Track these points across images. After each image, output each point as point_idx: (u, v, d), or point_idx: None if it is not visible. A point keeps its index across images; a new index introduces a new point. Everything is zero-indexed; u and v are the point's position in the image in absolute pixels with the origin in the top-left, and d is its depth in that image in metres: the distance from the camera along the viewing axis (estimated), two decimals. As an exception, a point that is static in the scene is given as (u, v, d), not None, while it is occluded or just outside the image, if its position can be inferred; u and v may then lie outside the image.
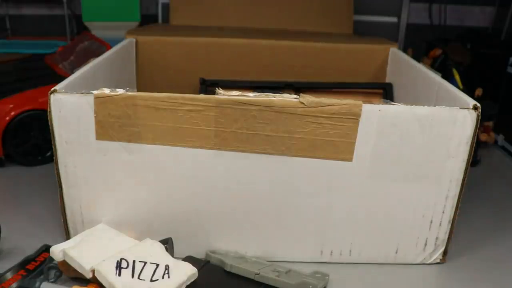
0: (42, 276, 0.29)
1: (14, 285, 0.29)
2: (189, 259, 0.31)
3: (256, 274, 0.30)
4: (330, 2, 0.72)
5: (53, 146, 0.31)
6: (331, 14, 0.72)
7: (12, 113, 0.45)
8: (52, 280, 0.29)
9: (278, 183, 0.31)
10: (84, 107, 0.29)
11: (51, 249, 0.29)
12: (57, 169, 0.31)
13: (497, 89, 0.60)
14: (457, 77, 0.57)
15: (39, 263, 0.31)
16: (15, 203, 0.41)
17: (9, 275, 0.29)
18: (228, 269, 0.31)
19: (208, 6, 0.71)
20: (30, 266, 0.31)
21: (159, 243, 0.30)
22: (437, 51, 0.61)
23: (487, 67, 0.62)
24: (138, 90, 0.29)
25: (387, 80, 0.55)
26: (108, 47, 0.55)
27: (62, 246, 0.29)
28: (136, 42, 0.54)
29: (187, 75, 0.55)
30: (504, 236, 0.39)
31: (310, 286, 0.29)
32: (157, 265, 0.28)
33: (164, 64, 0.55)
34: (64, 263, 0.29)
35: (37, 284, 0.28)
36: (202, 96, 0.29)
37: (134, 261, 0.28)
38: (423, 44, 0.70)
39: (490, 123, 0.57)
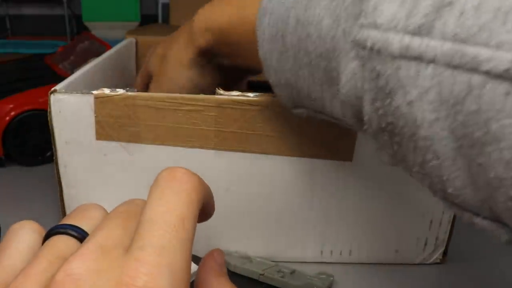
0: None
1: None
2: (192, 257, 0.31)
3: (260, 274, 0.30)
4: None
5: (53, 146, 0.31)
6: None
7: (12, 113, 0.45)
8: None
9: (278, 183, 0.31)
10: (84, 107, 0.29)
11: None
12: (57, 169, 0.31)
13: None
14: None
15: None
16: (15, 203, 0.41)
17: None
18: (232, 269, 0.31)
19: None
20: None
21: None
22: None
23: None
24: (138, 90, 0.29)
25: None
26: (108, 47, 0.55)
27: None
28: (136, 42, 0.54)
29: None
30: (504, 236, 0.39)
31: (315, 287, 0.29)
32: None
33: (164, 64, 0.56)
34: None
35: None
36: (202, 96, 0.29)
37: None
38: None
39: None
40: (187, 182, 0.16)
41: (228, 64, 0.31)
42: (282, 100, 0.25)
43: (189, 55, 0.32)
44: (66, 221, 0.17)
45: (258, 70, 0.26)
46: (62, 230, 0.16)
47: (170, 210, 0.15)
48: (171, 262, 0.13)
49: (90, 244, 0.14)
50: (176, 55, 0.32)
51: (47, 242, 0.16)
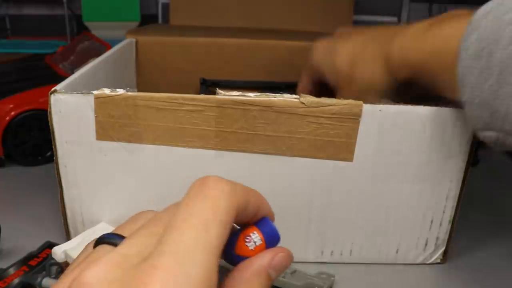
0: (44, 272, 0.29)
1: (16, 280, 0.29)
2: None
3: None
4: (330, 2, 0.72)
5: (53, 147, 0.31)
6: (331, 13, 0.72)
7: (12, 113, 0.45)
8: (54, 276, 0.29)
9: (278, 183, 0.31)
10: (84, 107, 0.29)
11: (52, 250, 0.29)
12: (57, 170, 0.31)
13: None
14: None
15: (41, 259, 0.31)
16: (15, 203, 0.41)
17: (11, 271, 0.30)
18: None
19: (208, 6, 0.71)
20: (32, 262, 0.31)
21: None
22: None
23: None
24: (138, 90, 0.29)
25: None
26: (108, 47, 0.55)
27: (63, 247, 0.29)
28: (136, 42, 0.54)
29: (187, 75, 0.55)
30: (504, 236, 0.39)
31: (316, 287, 0.29)
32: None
33: (164, 64, 0.55)
34: (67, 262, 0.29)
35: (38, 279, 0.28)
36: (202, 96, 0.29)
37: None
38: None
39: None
40: (215, 188, 0.15)
41: (419, 93, 0.31)
42: (470, 120, 0.25)
43: (384, 86, 0.31)
44: (117, 229, 0.17)
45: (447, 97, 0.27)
46: (106, 240, 0.17)
47: (193, 216, 0.14)
48: (189, 269, 0.13)
49: (111, 254, 0.14)
50: (369, 82, 0.31)
51: (94, 249, 0.17)
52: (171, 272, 0.13)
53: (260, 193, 0.18)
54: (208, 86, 0.53)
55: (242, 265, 0.17)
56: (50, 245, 0.32)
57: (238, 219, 0.17)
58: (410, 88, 0.31)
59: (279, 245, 0.18)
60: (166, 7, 0.78)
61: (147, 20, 0.81)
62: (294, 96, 0.29)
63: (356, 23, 0.74)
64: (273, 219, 0.19)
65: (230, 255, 0.17)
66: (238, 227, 0.18)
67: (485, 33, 0.23)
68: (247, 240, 0.17)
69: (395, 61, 0.30)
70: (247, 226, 0.18)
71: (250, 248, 0.17)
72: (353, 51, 0.34)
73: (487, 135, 0.25)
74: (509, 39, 0.22)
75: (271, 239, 0.18)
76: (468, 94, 0.24)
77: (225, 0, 0.71)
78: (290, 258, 0.18)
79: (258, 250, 0.17)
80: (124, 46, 0.50)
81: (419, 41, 0.28)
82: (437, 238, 0.34)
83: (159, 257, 0.13)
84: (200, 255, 0.13)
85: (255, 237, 0.17)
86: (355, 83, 0.32)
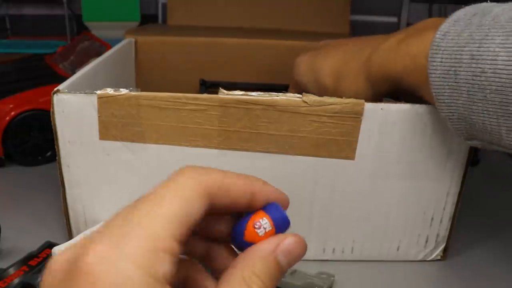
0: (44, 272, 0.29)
1: (16, 280, 0.29)
2: None
3: None
4: (327, 2, 0.72)
5: (56, 147, 0.31)
6: (328, 13, 0.72)
7: (12, 113, 0.45)
8: None
9: (280, 181, 0.31)
10: (87, 107, 0.29)
11: (52, 251, 0.29)
12: (60, 169, 0.31)
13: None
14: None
15: (41, 259, 0.31)
16: (15, 203, 0.41)
17: (11, 271, 0.30)
18: None
19: (206, 6, 0.71)
20: (32, 262, 0.31)
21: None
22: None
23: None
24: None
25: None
26: (108, 47, 0.55)
27: (63, 247, 0.29)
28: (135, 42, 0.54)
29: (186, 75, 0.55)
30: (504, 235, 0.40)
31: (316, 287, 0.30)
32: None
33: (164, 64, 0.56)
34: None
35: (38, 279, 0.28)
36: (205, 95, 0.29)
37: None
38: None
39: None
40: (180, 172, 0.17)
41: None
42: (454, 132, 0.27)
43: (370, 99, 0.32)
44: None
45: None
46: None
47: (151, 193, 0.15)
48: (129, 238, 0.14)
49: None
50: (355, 97, 0.32)
51: None
52: (108, 243, 0.14)
53: (261, 179, 0.18)
54: (208, 88, 0.53)
55: (248, 250, 0.17)
56: (50, 245, 0.32)
57: (226, 201, 0.17)
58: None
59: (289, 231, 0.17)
60: (166, 7, 0.78)
61: (147, 20, 0.81)
62: (296, 95, 0.29)
63: (355, 23, 0.74)
64: (286, 204, 0.18)
65: (241, 243, 0.17)
66: (248, 213, 0.18)
67: (447, 53, 0.24)
68: (256, 226, 0.17)
69: (375, 77, 0.31)
70: (255, 212, 0.17)
71: (260, 234, 0.17)
72: (335, 68, 0.34)
73: (473, 143, 0.26)
74: (468, 59, 0.23)
75: (281, 225, 0.17)
76: (445, 111, 0.26)
77: (223, 0, 0.71)
78: (301, 245, 0.17)
79: (268, 235, 0.17)
80: (123, 46, 0.50)
81: (392, 58, 0.29)
82: (438, 235, 0.34)
83: (100, 234, 0.14)
84: (147, 226, 0.14)
85: (264, 223, 0.17)
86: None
